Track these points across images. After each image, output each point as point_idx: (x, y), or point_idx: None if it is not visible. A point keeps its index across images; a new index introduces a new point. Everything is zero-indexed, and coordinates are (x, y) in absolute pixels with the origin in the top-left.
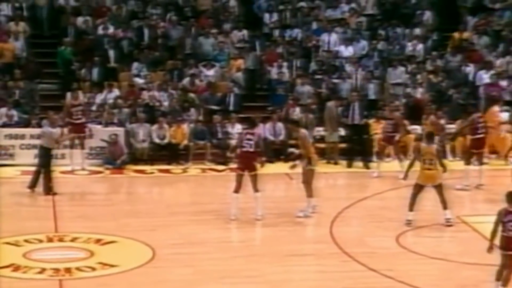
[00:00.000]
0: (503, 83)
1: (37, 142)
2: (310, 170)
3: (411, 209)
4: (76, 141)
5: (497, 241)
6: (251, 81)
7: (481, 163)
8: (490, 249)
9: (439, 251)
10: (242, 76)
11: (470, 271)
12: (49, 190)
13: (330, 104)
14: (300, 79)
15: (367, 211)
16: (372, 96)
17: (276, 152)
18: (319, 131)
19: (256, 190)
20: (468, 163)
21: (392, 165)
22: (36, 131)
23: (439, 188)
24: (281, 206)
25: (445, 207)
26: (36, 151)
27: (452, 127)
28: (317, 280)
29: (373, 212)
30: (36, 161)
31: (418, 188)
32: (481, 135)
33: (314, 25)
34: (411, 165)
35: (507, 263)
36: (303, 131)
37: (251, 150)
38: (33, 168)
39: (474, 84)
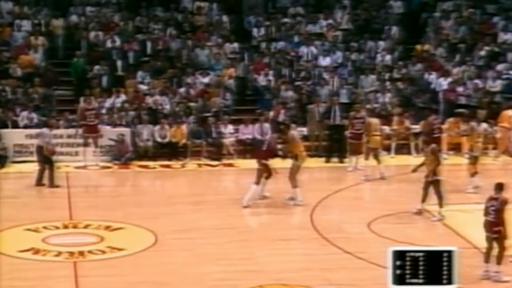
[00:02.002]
0: (460, 88)
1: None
2: (296, 165)
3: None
4: (90, 140)
5: None
6: (241, 87)
7: None
8: None
9: (405, 236)
10: (234, 83)
11: None
12: (52, 183)
13: (311, 106)
14: (284, 86)
15: (343, 201)
16: (346, 100)
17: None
18: (302, 131)
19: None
20: None
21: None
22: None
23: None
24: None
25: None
26: None
27: (416, 127)
28: (301, 261)
29: (348, 202)
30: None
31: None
32: (437, 135)
33: (296, 38)
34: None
35: (491, 245)
36: (292, 132)
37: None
38: (36, 167)
39: (434, 90)
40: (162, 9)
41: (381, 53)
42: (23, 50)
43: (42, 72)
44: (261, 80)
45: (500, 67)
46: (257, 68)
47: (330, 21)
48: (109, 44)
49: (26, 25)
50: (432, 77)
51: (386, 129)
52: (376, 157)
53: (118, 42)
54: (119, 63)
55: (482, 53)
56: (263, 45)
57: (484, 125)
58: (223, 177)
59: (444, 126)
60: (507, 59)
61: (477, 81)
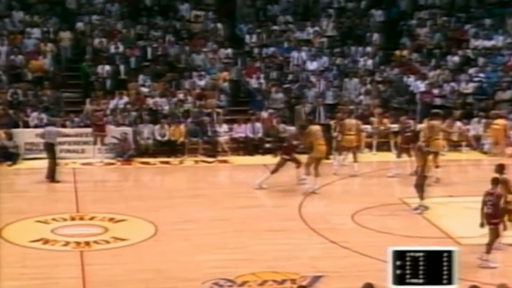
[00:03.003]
0: (435, 90)
1: (59, 140)
2: (312, 158)
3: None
4: (98, 139)
5: None
6: (235, 89)
7: (410, 156)
8: (482, 225)
9: (385, 227)
10: (228, 85)
11: (410, 242)
12: (52, 178)
13: (298, 107)
14: (274, 88)
15: (329, 195)
16: (331, 101)
17: (255, 147)
18: (290, 129)
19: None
20: (399, 156)
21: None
22: (63, 131)
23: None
24: (260, 191)
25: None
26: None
27: (395, 126)
28: (289, 250)
29: (333, 195)
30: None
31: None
32: (409, 134)
33: (286, 44)
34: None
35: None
36: (311, 127)
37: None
38: (46, 163)
39: (412, 92)
40: (162, 17)
41: (364, 58)
42: (34, 56)
43: (50, 76)
44: (253, 83)
45: (472, 70)
46: (249, 72)
47: (317, 28)
48: (112, 49)
49: (36, 32)
50: (410, 80)
51: (368, 128)
52: (354, 154)
53: (121, 48)
54: (122, 68)
55: (456, 58)
56: (255, 50)
57: (458, 124)
58: (218, 172)
59: (421, 126)
60: (478, 63)
61: (451, 84)
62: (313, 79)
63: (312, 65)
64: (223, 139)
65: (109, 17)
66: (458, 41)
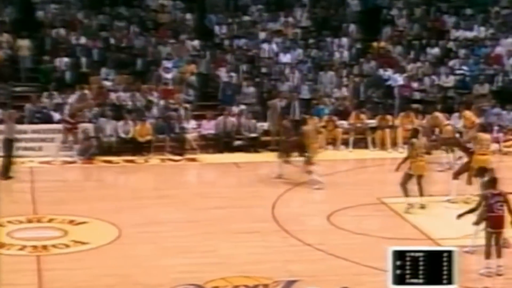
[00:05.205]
0: (414, 84)
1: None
2: (308, 157)
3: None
4: (69, 136)
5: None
6: (204, 83)
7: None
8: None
9: (361, 228)
10: (196, 79)
11: (388, 244)
12: (5, 174)
13: (273, 102)
14: (246, 82)
15: (303, 194)
16: (306, 96)
17: (225, 144)
18: (263, 125)
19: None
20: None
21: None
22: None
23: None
24: (231, 190)
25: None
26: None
27: (372, 122)
28: (262, 253)
29: (308, 195)
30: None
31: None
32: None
33: (257, 36)
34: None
35: (492, 241)
36: (305, 127)
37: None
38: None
39: (390, 86)
40: (126, 7)
41: (339, 50)
42: None
43: (3, 69)
44: (223, 77)
45: (452, 63)
46: (219, 65)
47: (290, 19)
48: (73, 41)
49: None
50: (387, 73)
51: (344, 123)
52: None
53: (82, 39)
54: (83, 60)
55: (436, 50)
56: (225, 42)
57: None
58: (186, 171)
59: (397, 121)
60: (459, 55)
61: (431, 77)
62: (286, 72)
63: (285, 58)
64: (191, 136)
65: (69, 7)
66: (438, 32)
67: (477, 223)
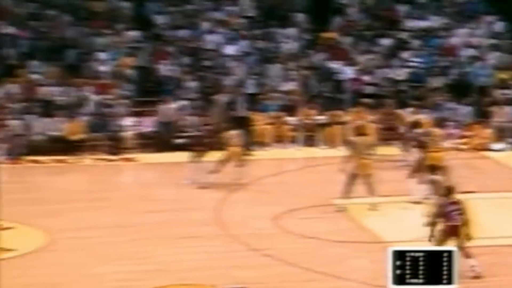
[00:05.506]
0: (365, 77)
1: None
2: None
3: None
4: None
5: None
6: (143, 77)
7: None
8: (432, 237)
9: (311, 231)
10: (134, 73)
11: (339, 248)
12: None
13: (216, 97)
14: (188, 76)
15: (248, 195)
16: (252, 90)
17: (165, 143)
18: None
19: None
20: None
21: (272, 153)
22: None
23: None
24: (170, 192)
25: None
26: None
27: (322, 118)
28: (204, 260)
29: (253, 197)
30: None
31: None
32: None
33: (201, 26)
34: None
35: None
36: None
37: None
38: None
39: (339, 79)
40: None
41: (287, 41)
42: None
43: None
44: (163, 70)
45: (405, 55)
46: (159, 57)
47: (235, 8)
48: (1, 30)
49: None
50: (337, 66)
51: (292, 120)
52: None
53: (10, 29)
54: (11, 51)
55: (387, 41)
56: (166, 33)
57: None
58: (122, 172)
59: (348, 117)
60: (412, 46)
61: (383, 69)
62: (231, 65)
63: (230, 50)
64: (128, 134)
65: None
66: (390, 22)
67: (429, 226)
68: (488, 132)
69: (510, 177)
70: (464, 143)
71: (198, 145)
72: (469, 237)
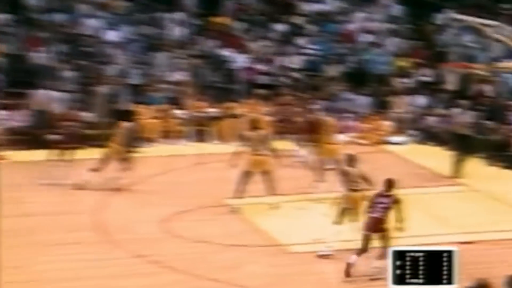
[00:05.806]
0: (259, 66)
1: None
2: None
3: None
4: None
5: None
6: (13, 66)
7: None
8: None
9: (202, 234)
10: (4, 61)
11: (232, 252)
12: None
13: (98, 89)
14: (65, 65)
15: (132, 197)
16: (136, 81)
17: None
18: (87, 116)
19: None
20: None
21: (158, 150)
22: None
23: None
24: (43, 194)
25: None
26: None
27: (214, 111)
28: (82, 268)
29: (137, 198)
30: None
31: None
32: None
33: (79, 10)
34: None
35: (369, 243)
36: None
37: None
38: None
39: (231, 68)
40: None
41: (175, 26)
42: None
43: None
44: (37, 58)
45: (301, 41)
46: (32, 44)
47: None
48: None
49: None
50: (229, 54)
51: (181, 113)
52: None
53: None
54: None
55: (282, 26)
56: (39, 17)
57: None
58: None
59: (241, 110)
60: (308, 32)
61: (278, 57)
62: (113, 53)
63: (111, 36)
64: None
65: None
66: (285, 6)
67: (337, 222)
68: (387, 124)
69: (411, 172)
70: (362, 137)
71: (71, 141)
72: (401, 230)
